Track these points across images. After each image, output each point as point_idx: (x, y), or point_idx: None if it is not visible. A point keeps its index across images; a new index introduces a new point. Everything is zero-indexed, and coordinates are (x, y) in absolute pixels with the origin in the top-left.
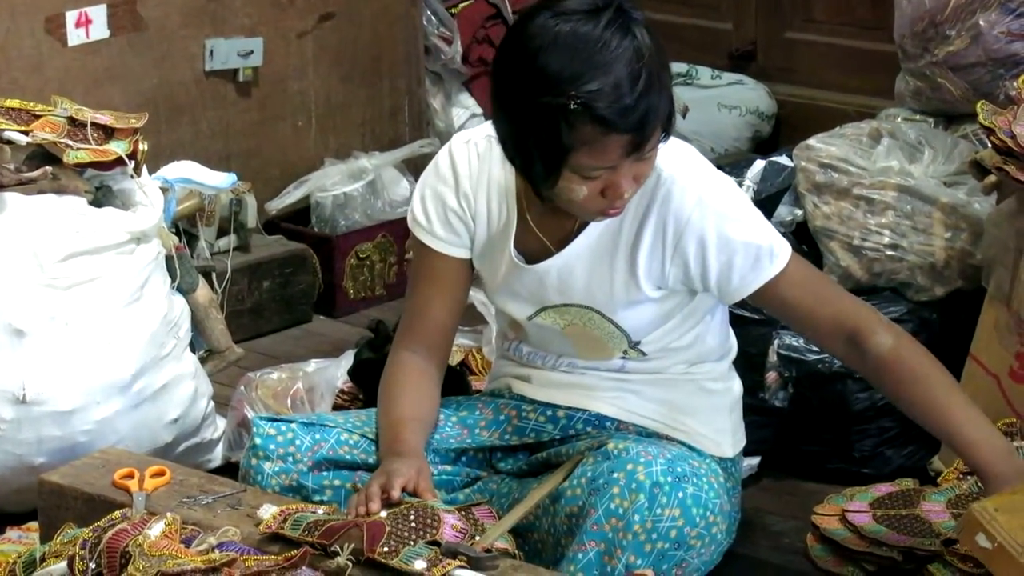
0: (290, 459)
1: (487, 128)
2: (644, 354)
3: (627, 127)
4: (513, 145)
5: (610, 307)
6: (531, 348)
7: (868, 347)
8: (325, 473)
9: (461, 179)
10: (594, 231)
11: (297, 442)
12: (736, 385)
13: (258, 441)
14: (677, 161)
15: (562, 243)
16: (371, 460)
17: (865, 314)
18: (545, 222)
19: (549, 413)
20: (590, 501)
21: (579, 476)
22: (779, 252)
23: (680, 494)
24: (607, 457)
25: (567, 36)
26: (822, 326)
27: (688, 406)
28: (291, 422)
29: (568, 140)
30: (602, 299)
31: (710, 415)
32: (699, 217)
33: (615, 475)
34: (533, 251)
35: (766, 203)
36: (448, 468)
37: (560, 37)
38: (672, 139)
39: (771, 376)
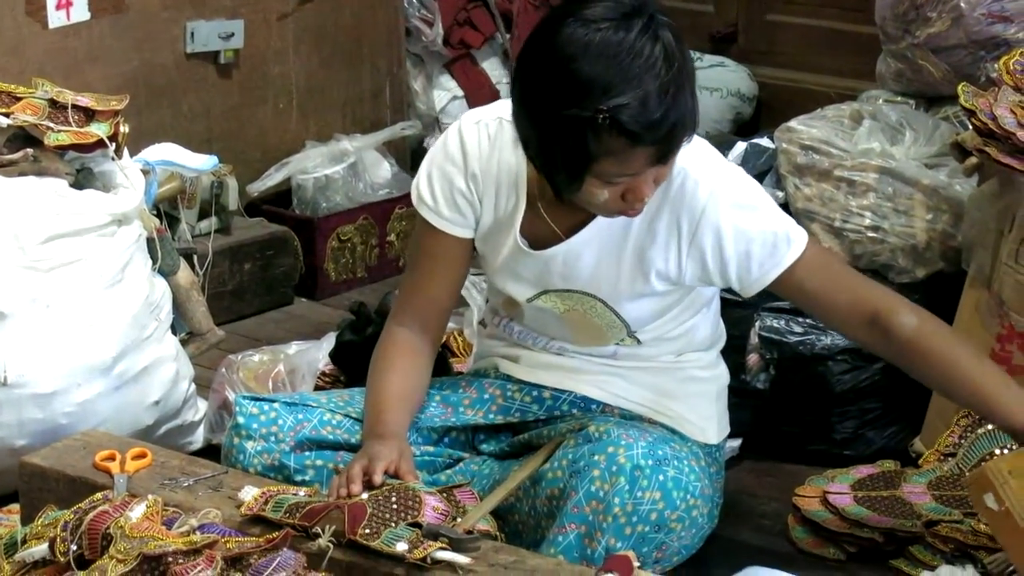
0: (272, 439)
1: (498, 108)
2: (639, 342)
3: (654, 140)
4: (536, 149)
5: (614, 297)
6: (523, 328)
7: (891, 329)
8: (307, 453)
9: (470, 160)
10: (605, 221)
11: (280, 422)
12: (723, 373)
13: (240, 420)
14: (689, 155)
15: (571, 231)
16: (354, 440)
17: (885, 297)
18: (556, 209)
19: (535, 394)
20: (571, 483)
21: (560, 458)
22: (795, 238)
23: (661, 477)
24: (588, 439)
25: (598, 46)
26: (843, 311)
27: (675, 392)
28: (274, 402)
29: (594, 150)
30: (607, 289)
31: (696, 402)
32: (713, 209)
33: (596, 458)
34: (540, 236)
35: None
36: (430, 449)
37: (591, 47)
38: None
39: (752, 358)
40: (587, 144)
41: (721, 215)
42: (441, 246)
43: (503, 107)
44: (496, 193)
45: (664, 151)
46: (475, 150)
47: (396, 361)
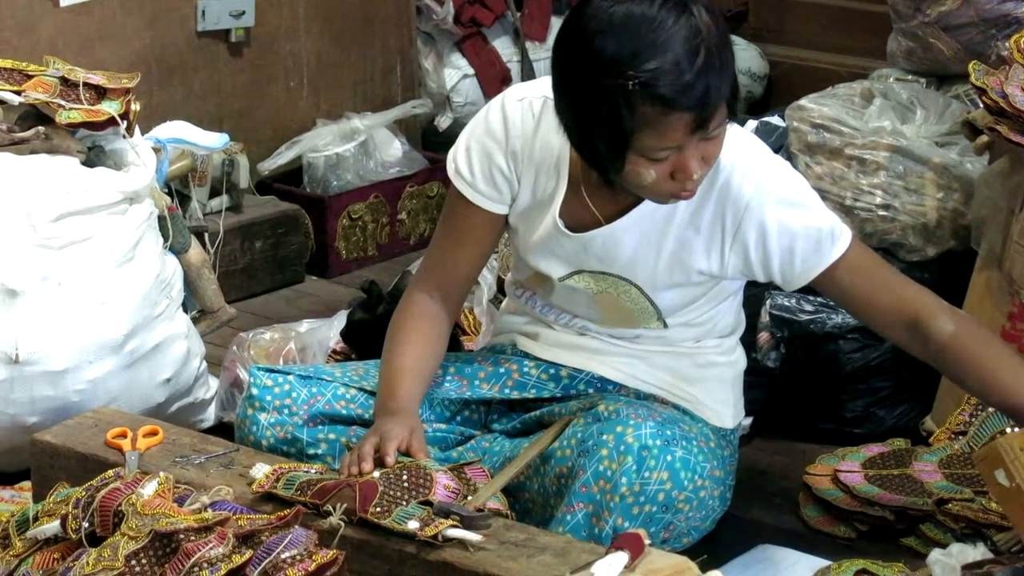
0: (286, 411)
1: (544, 86)
2: (666, 326)
3: (688, 104)
4: (577, 132)
5: (651, 285)
6: (546, 303)
7: (930, 334)
8: (320, 427)
9: (512, 138)
10: (647, 208)
11: (294, 394)
12: (741, 359)
13: (255, 391)
14: (734, 147)
15: (613, 216)
16: (367, 415)
17: (925, 299)
18: (599, 194)
19: (551, 371)
20: (579, 462)
21: (569, 437)
22: (840, 235)
23: (669, 457)
24: (597, 419)
25: (622, 18)
26: (882, 312)
27: (693, 376)
28: (288, 374)
29: (630, 122)
30: (644, 276)
31: (714, 386)
32: (758, 204)
33: (604, 437)
34: (580, 219)
35: None
36: (442, 426)
37: (615, 19)
38: (732, 125)
39: (763, 336)
40: (622, 117)
41: (766, 210)
42: (473, 220)
43: (548, 85)
44: (536, 173)
45: (702, 117)
46: (517, 128)
47: (413, 330)
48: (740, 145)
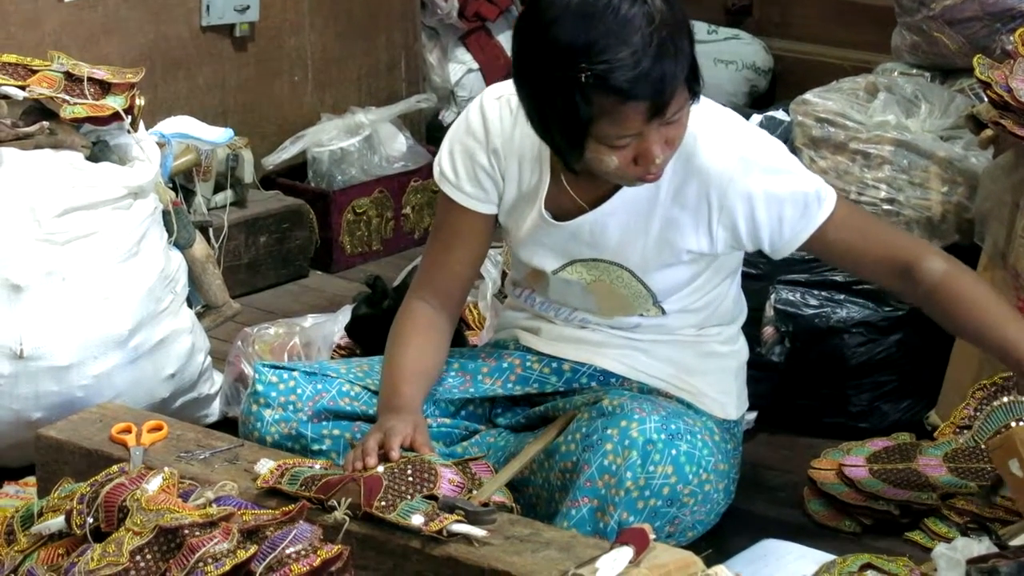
0: (291, 408)
1: None
2: (663, 312)
3: (643, 94)
4: (538, 121)
5: (642, 267)
6: (545, 299)
7: (921, 275)
8: (324, 423)
9: (492, 136)
10: (630, 191)
11: (298, 391)
12: (743, 349)
13: (259, 388)
14: (713, 121)
15: (596, 202)
16: (371, 412)
17: (913, 245)
18: (580, 182)
19: (554, 365)
20: (584, 457)
21: (573, 432)
22: (825, 196)
23: (673, 451)
24: (601, 413)
25: (577, 6)
26: (873, 264)
27: (695, 367)
28: (293, 370)
29: (587, 112)
30: (635, 259)
31: (717, 377)
32: (742, 175)
33: (609, 431)
34: (565, 209)
35: None
36: (447, 421)
37: (571, 7)
38: (705, 99)
39: (768, 331)
40: (578, 107)
41: (751, 180)
42: (463, 222)
43: None
44: (519, 168)
45: (658, 105)
46: (497, 125)
47: (413, 337)
48: (716, 118)
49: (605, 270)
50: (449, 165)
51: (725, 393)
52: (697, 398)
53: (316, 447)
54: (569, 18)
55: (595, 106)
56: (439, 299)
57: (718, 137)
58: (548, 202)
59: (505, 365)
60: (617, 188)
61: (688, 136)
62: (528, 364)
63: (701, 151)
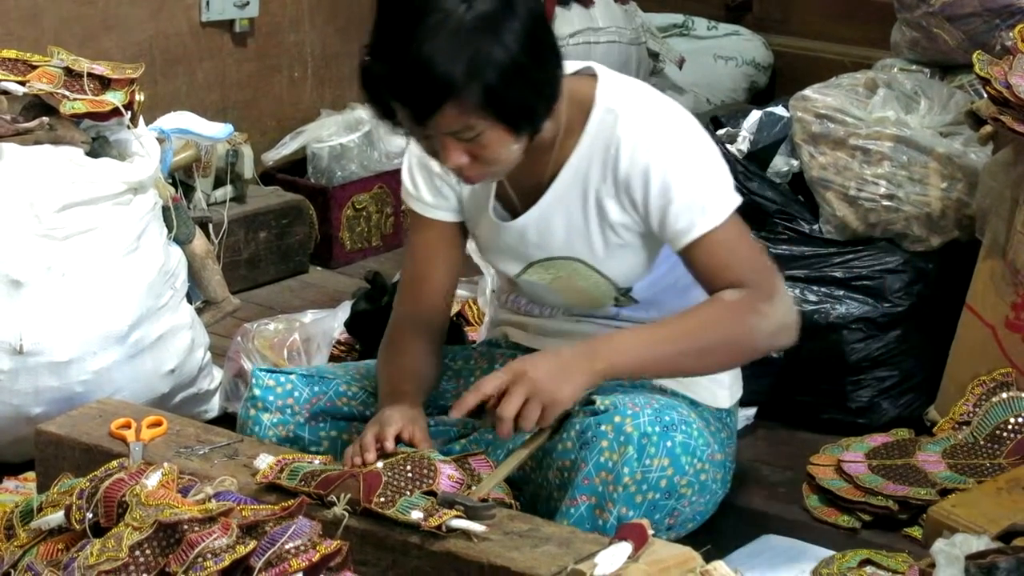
0: (288, 411)
1: None
2: (636, 302)
3: (399, 97)
4: None
5: (592, 256)
6: (527, 300)
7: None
8: (322, 425)
9: None
10: (563, 183)
11: (296, 394)
12: None
13: (257, 392)
14: (636, 104)
15: (535, 199)
16: (368, 412)
17: (754, 286)
18: (517, 179)
19: None
20: (580, 455)
21: (568, 430)
22: (711, 211)
23: (669, 443)
24: (595, 411)
25: None
26: (712, 289)
27: None
28: (290, 374)
29: (387, 102)
30: (582, 248)
31: None
32: (647, 161)
33: (603, 428)
34: (511, 209)
35: (762, 153)
36: (444, 418)
37: None
38: (631, 80)
39: None
40: (381, 95)
41: (653, 170)
42: (432, 233)
43: None
44: None
45: (417, 113)
46: None
47: (405, 353)
48: (640, 101)
49: (561, 267)
50: (409, 179)
51: (716, 381)
52: (688, 388)
53: (314, 449)
54: (386, 6)
55: (380, 95)
56: (422, 312)
57: (638, 120)
58: (496, 204)
59: (497, 367)
60: (551, 181)
61: (608, 115)
62: None
63: (621, 131)
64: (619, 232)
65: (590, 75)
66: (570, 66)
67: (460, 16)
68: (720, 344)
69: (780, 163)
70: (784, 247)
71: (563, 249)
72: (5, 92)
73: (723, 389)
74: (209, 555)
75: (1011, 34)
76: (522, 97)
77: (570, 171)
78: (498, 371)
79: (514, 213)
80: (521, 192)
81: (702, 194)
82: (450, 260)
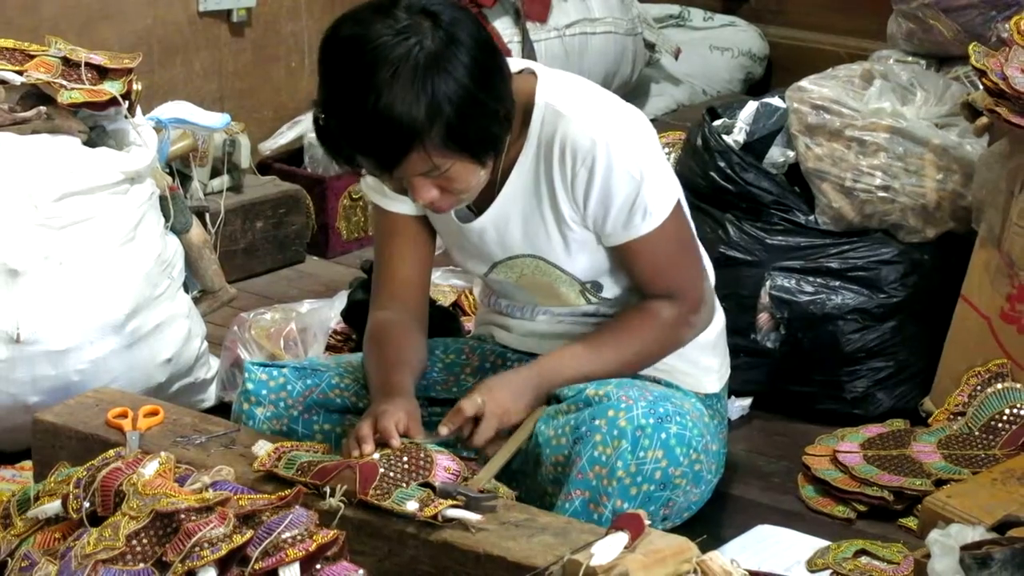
0: (282, 404)
1: None
2: (608, 298)
3: (362, 150)
4: None
5: (551, 252)
6: (507, 301)
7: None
8: (315, 418)
9: None
10: (516, 182)
11: (289, 387)
12: (718, 319)
13: (250, 386)
14: (576, 102)
15: (491, 199)
16: (361, 404)
17: (685, 296)
18: None
19: (530, 360)
20: (575, 450)
21: (562, 425)
22: (653, 211)
23: (663, 435)
24: (588, 404)
25: (347, 43)
26: (646, 292)
27: None
28: (283, 367)
29: (348, 150)
30: (541, 244)
31: (691, 352)
32: (589, 159)
33: (596, 422)
34: (472, 208)
35: (758, 144)
36: (438, 410)
37: (343, 44)
38: (572, 77)
39: (763, 317)
40: (341, 145)
41: (595, 168)
42: (397, 226)
43: None
44: None
45: (383, 162)
46: None
47: (389, 339)
48: (585, 99)
49: (523, 264)
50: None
51: (702, 368)
52: (674, 376)
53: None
54: (338, 56)
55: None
56: (399, 306)
57: (586, 119)
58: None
59: (487, 365)
60: (502, 183)
61: (550, 113)
62: (509, 363)
63: (564, 129)
64: (573, 228)
65: (530, 74)
66: (512, 65)
67: (411, 62)
68: (655, 356)
69: (776, 154)
70: (780, 238)
71: (524, 247)
72: (3, 82)
73: (710, 375)
74: (206, 544)
75: (1007, 26)
76: (481, 128)
77: (519, 171)
78: (474, 394)
79: (478, 212)
80: (478, 197)
81: (641, 196)
82: (417, 252)
